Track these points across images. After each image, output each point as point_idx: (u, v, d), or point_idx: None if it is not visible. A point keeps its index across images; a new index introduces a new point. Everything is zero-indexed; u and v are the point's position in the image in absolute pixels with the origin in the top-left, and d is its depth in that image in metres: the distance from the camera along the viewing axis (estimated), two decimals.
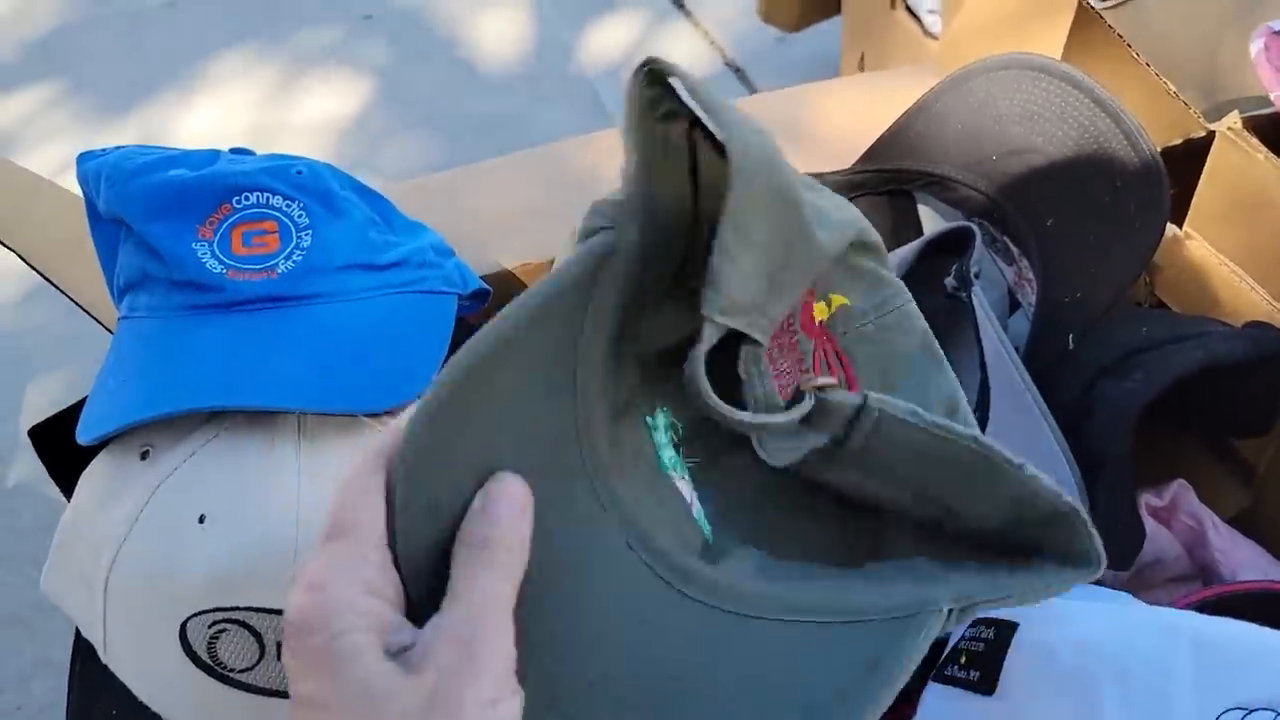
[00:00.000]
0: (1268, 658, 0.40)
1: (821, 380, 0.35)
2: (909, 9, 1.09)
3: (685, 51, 1.53)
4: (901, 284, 0.42)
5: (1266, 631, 0.42)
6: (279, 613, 0.46)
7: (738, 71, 1.50)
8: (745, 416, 0.34)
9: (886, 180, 0.73)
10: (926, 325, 0.42)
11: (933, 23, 1.04)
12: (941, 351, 0.42)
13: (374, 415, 0.51)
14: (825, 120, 0.87)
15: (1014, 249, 0.69)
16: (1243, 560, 0.60)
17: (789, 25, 1.37)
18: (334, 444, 0.49)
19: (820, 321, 0.40)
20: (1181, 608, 0.56)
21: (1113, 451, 0.53)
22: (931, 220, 0.74)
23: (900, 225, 0.75)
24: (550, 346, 0.32)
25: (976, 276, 0.71)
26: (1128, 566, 0.55)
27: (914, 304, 0.42)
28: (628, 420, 0.35)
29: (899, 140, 0.72)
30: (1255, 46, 0.75)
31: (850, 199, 0.69)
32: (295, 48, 1.59)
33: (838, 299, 0.41)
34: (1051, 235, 0.63)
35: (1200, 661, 0.41)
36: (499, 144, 1.30)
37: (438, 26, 1.61)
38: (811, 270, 0.36)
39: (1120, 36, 0.80)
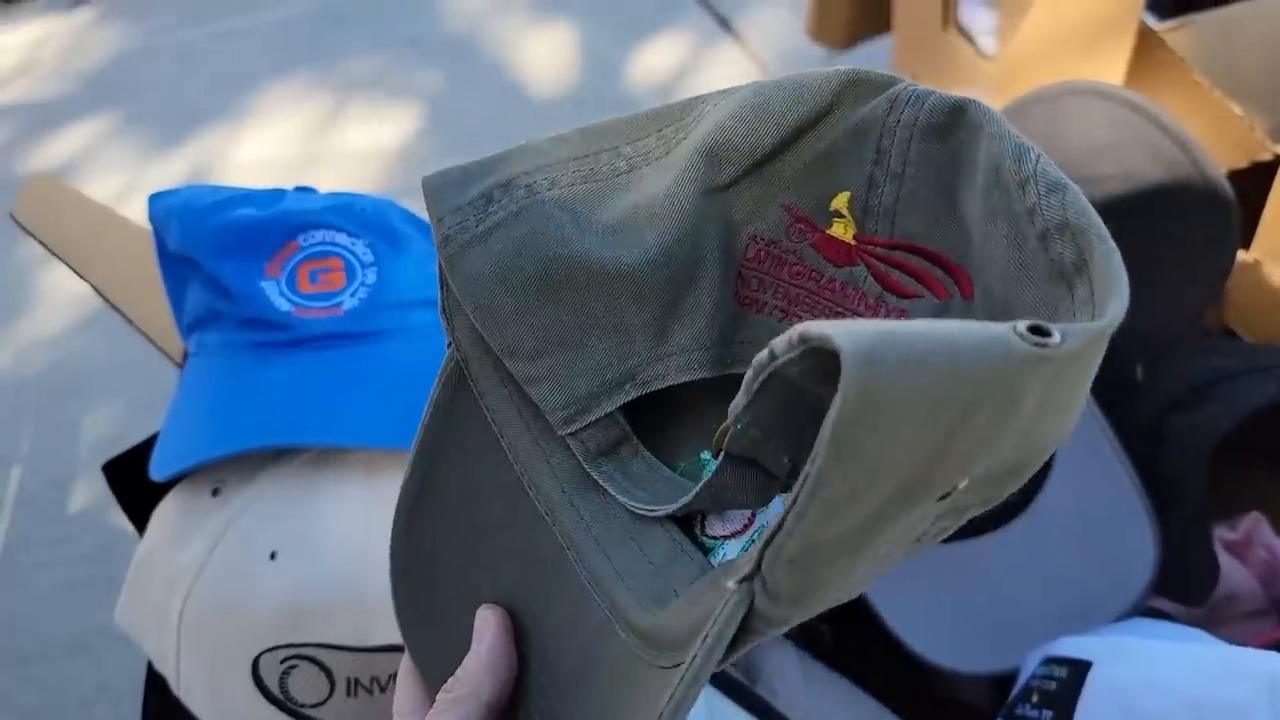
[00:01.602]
0: None
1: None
2: (961, 30, 1.08)
3: (731, 71, 1.53)
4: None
5: None
6: (349, 649, 0.47)
7: None
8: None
9: None
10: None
11: (987, 44, 1.03)
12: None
13: None
14: None
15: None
16: None
17: (838, 43, 1.36)
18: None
19: (853, 237, 0.32)
20: (1258, 645, 0.55)
21: (1187, 488, 0.52)
22: None
23: None
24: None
25: None
26: (1203, 602, 0.54)
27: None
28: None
29: None
30: None
31: None
32: (341, 76, 1.61)
33: (839, 197, 0.32)
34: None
35: (1278, 703, 0.40)
36: None
37: (483, 51, 1.62)
38: None
39: (1182, 59, 0.79)
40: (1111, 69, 0.81)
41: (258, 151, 1.49)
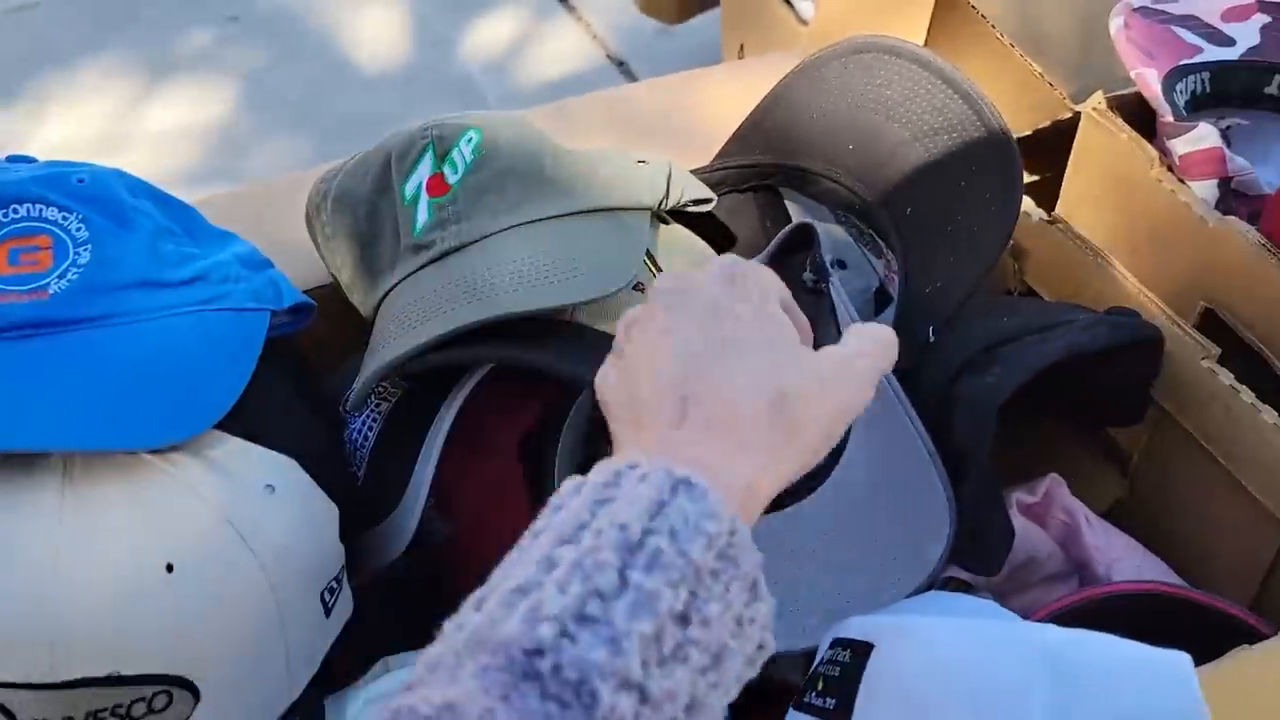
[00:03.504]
0: (1125, 675, 0.38)
1: None
2: None
3: (567, 46, 1.49)
4: None
5: (1126, 646, 0.39)
6: (37, 687, 0.41)
7: (620, 65, 1.46)
8: None
9: (748, 176, 0.70)
10: None
11: (806, 9, 1.01)
12: None
13: (158, 451, 0.45)
14: (699, 109, 0.84)
15: (879, 241, 0.66)
16: (1117, 555, 0.57)
17: (669, 17, 1.34)
18: (108, 489, 0.44)
19: None
20: (1060, 611, 0.53)
21: (976, 450, 0.50)
22: (799, 217, 0.71)
23: (769, 223, 0.72)
24: None
25: (838, 265, 0.68)
26: (996, 571, 0.52)
27: None
28: None
29: (756, 132, 0.68)
30: (1115, 24, 0.73)
31: (717, 195, 0.66)
32: (156, 52, 1.50)
33: None
34: (911, 224, 0.60)
35: (1058, 682, 0.38)
36: (368, 144, 1.24)
37: (307, 26, 1.54)
38: None
39: (984, 18, 0.78)
40: (915, 28, 0.80)
41: (61, 133, 1.39)
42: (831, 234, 0.69)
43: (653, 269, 0.60)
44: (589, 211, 0.58)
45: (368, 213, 0.60)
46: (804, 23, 1.02)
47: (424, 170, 0.59)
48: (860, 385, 0.39)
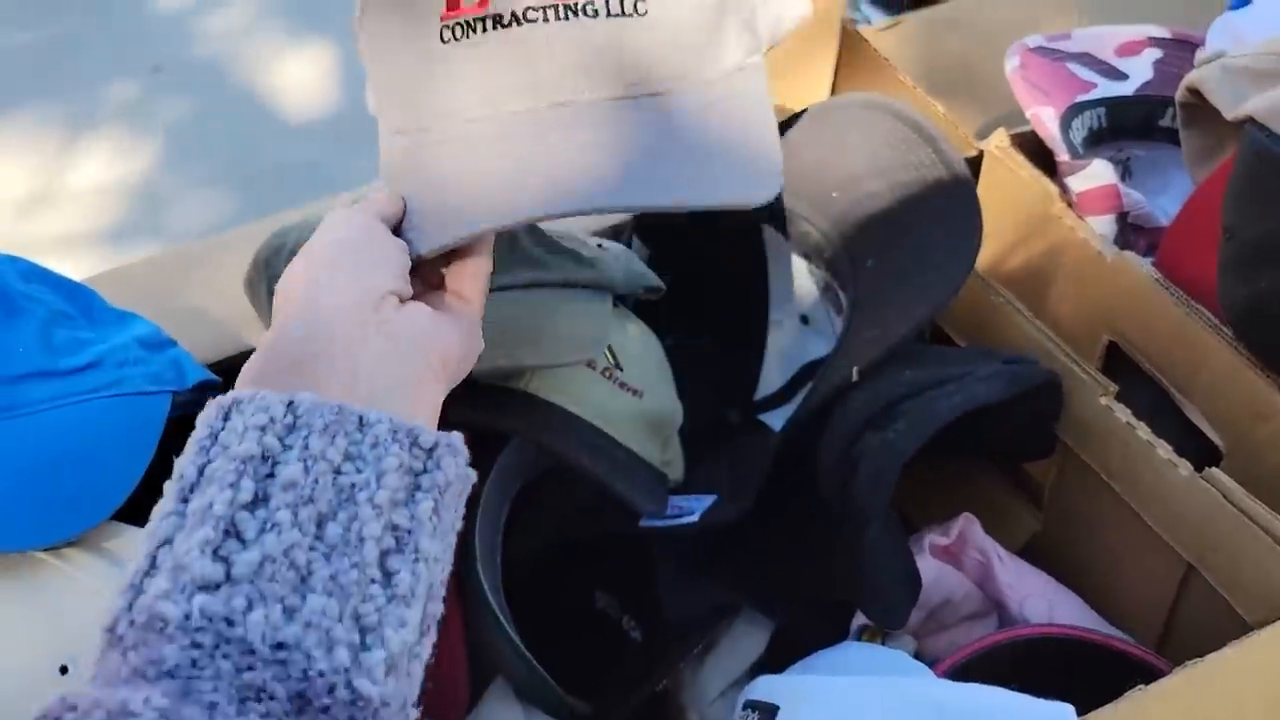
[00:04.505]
0: None
1: None
2: None
3: None
4: None
5: (1013, 700, 0.40)
6: None
7: None
8: None
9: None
10: None
11: None
12: None
13: (52, 547, 0.45)
14: None
15: (841, 296, 0.67)
16: (1030, 592, 0.58)
17: None
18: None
19: None
20: (976, 651, 0.54)
21: (875, 508, 0.50)
22: (774, 257, 0.72)
23: (745, 257, 0.72)
24: None
25: (803, 321, 0.70)
26: (902, 623, 0.52)
27: None
28: None
29: None
30: (1011, 64, 0.74)
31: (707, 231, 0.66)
32: (76, 105, 1.49)
33: None
34: (870, 275, 0.62)
35: None
36: (298, 195, 1.23)
37: (233, 75, 1.53)
38: None
39: (886, 60, 0.79)
40: (822, 70, 0.81)
41: None
42: (801, 288, 0.71)
43: (614, 359, 0.60)
44: (554, 285, 0.57)
45: None
46: None
47: None
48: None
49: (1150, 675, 0.47)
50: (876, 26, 0.88)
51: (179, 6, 1.64)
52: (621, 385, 0.59)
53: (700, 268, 0.69)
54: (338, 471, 0.33)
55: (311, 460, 0.33)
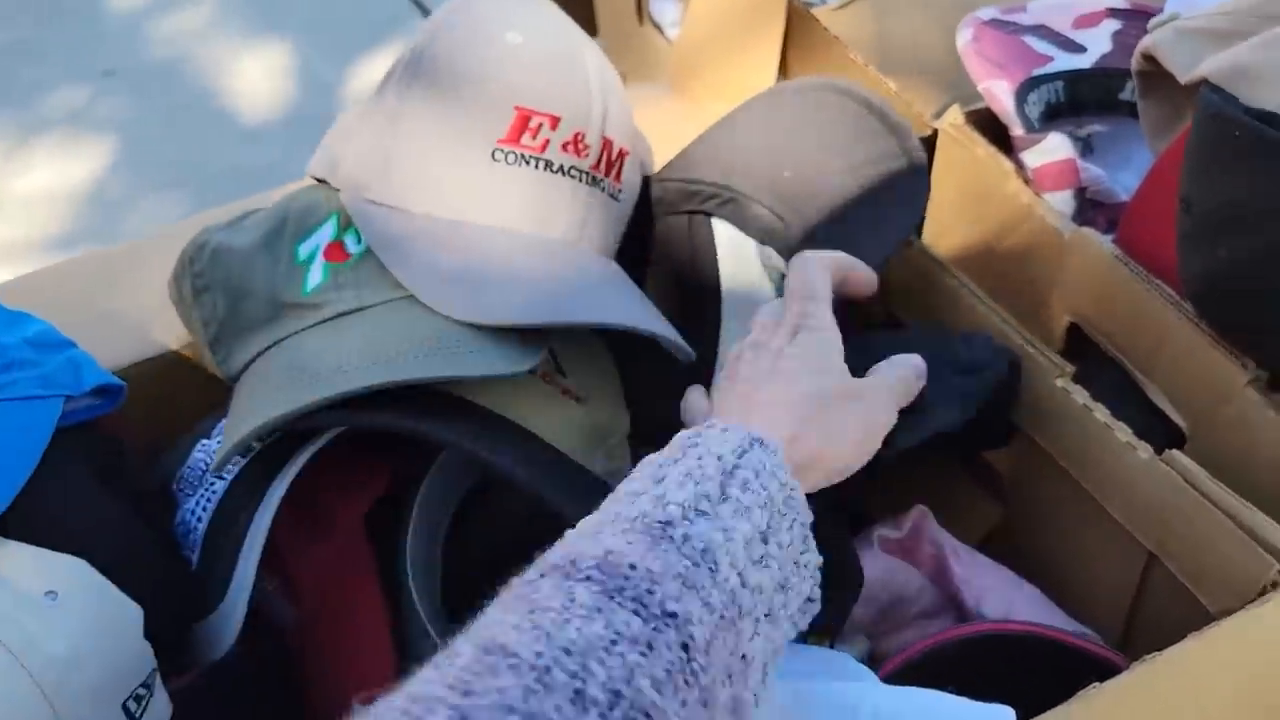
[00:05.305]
0: None
1: None
2: (654, 23, 1.04)
3: None
4: None
5: (951, 704, 0.37)
6: None
7: None
8: None
9: (686, 195, 0.67)
10: None
11: (674, 34, 0.99)
12: None
13: None
14: None
15: None
16: (985, 587, 0.55)
17: None
18: None
19: None
20: (923, 650, 0.51)
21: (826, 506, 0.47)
22: (728, 245, 0.69)
23: (698, 256, 0.70)
24: None
25: None
26: (839, 626, 0.49)
27: None
28: None
29: (701, 148, 0.66)
30: (963, 38, 0.72)
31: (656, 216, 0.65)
32: (27, 110, 1.45)
33: None
34: (820, 247, 0.59)
35: None
36: (254, 196, 1.20)
37: (187, 78, 1.50)
38: None
39: (837, 38, 0.77)
40: (770, 49, 0.78)
41: None
42: (757, 285, 0.68)
43: (555, 363, 0.57)
44: None
45: (245, 267, 0.56)
46: (671, 46, 1.00)
47: (325, 235, 0.56)
48: (889, 401, 0.48)
49: (1110, 672, 0.44)
50: (830, 6, 0.86)
51: (131, 10, 1.61)
52: (564, 391, 0.57)
53: (644, 268, 0.67)
54: (793, 564, 0.39)
55: (789, 540, 0.39)
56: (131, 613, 0.46)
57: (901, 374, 0.50)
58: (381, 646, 0.55)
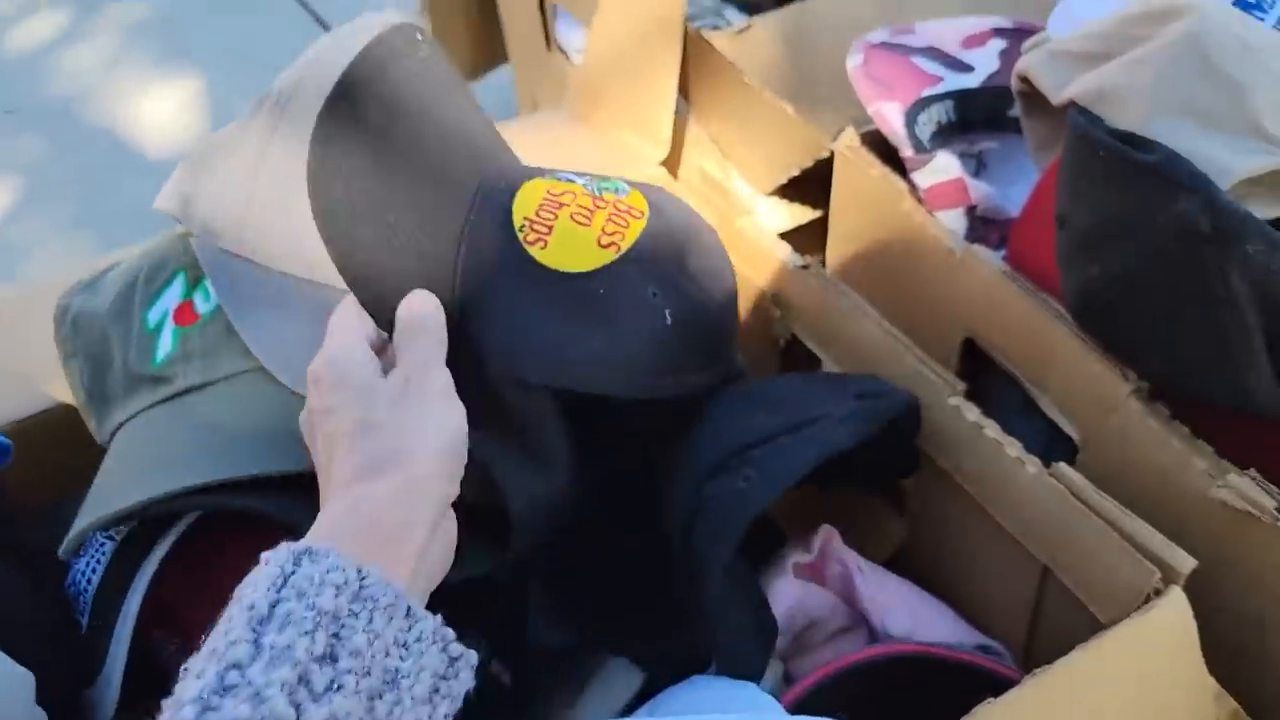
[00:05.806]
0: None
1: None
2: (561, 49, 1.05)
3: None
4: None
5: None
6: None
7: None
8: None
9: None
10: None
11: (579, 59, 1.00)
12: None
13: None
14: None
15: None
16: (889, 605, 0.56)
17: (466, 76, 1.32)
18: None
19: None
20: (835, 671, 0.52)
21: (715, 561, 0.47)
22: None
23: None
24: None
25: None
26: (758, 678, 0.49)
27: None
28: None
29: None
30: (853, 61, 0.73)
31: None
32: None
33: None
34: None
35: None
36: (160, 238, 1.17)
37: (90, 114, 1.46)
38: None
39: (732, 64, 0.78)
40: (666, 73, 0.79)
41: None
42: None
43: None
44: None
45: (103, 336, 0.55)
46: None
47: (172, 297, 0.54)
48: (435, 390, 0.44)
49: (1006, 687, 0.45)
50: (729, 31, 0.87)
51: (30, 47, 1.57)
52: None
53: None
54: (387, 654, 0.36)
55: (373, 635, 0.36)
56: (20, 678, 0.45)
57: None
58: None
